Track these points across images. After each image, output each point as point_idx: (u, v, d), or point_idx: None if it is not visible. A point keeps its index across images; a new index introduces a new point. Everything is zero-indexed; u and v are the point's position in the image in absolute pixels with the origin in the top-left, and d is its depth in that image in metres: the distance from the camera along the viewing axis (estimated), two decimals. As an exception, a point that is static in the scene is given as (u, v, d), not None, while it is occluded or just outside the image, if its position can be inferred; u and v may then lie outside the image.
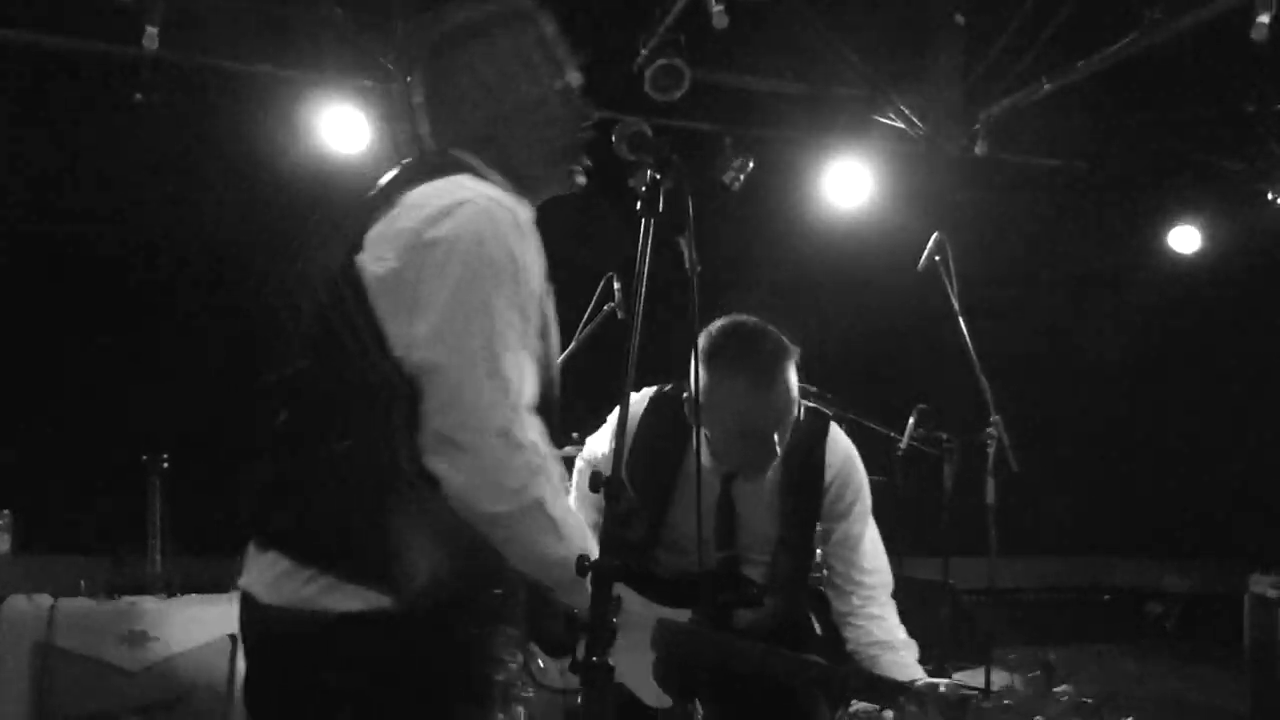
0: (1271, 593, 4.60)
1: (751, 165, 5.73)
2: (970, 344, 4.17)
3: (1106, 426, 6.99)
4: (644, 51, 5.14)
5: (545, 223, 1.64)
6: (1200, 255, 6.72)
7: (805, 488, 2.51)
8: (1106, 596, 7.34)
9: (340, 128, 5.07)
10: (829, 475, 2.54)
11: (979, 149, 5.96)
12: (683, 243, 1.72)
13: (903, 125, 5.74)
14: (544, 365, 1.60)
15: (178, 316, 5.46)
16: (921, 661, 5.27)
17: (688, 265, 1.74)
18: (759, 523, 2.51)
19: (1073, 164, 6.45)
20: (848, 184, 5.72)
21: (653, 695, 2.11)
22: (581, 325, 4.53)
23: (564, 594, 1.58)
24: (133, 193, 5.20)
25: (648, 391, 2.59)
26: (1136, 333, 7.01)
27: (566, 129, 1.78)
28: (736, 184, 5.74)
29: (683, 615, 2.11)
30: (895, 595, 5.41)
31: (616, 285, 4.46)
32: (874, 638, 2.45)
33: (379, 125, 5.11)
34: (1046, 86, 5.56)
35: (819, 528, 2.55)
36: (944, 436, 4.70)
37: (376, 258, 1.51)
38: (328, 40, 5.00)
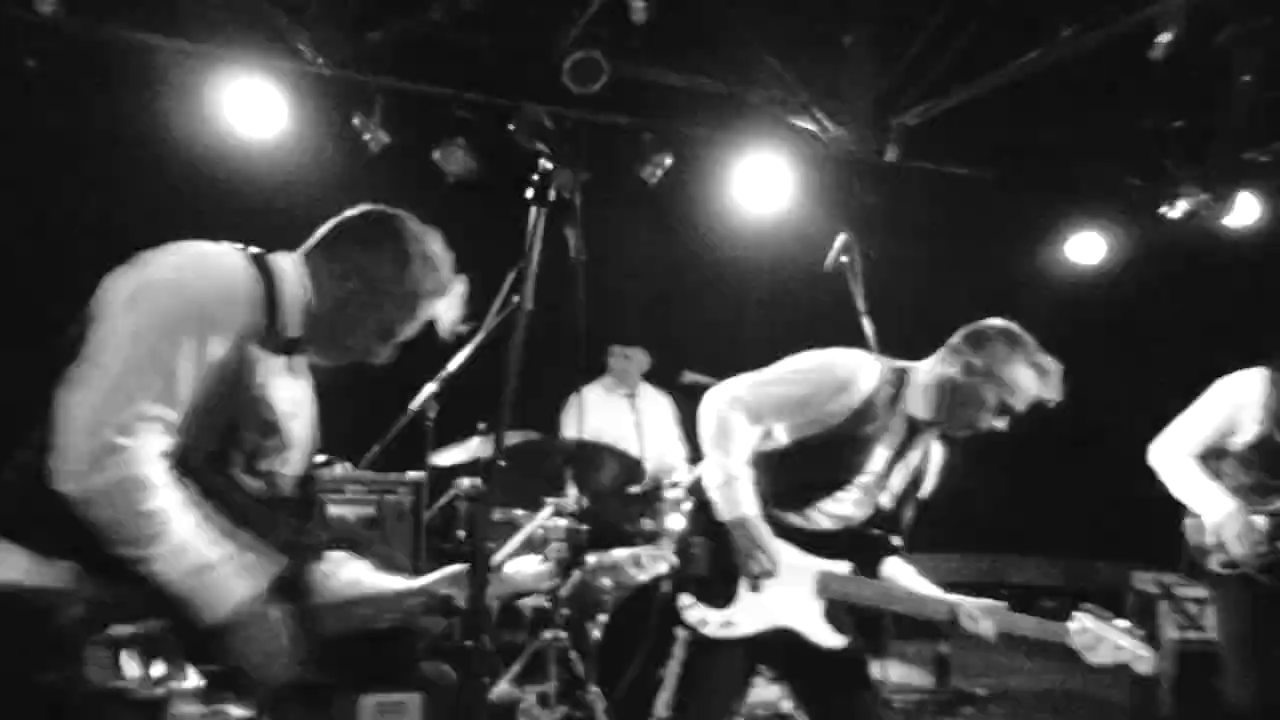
0: (1152, 588, 4.79)
1: (670, 161, 5.77)
2: (874, 344, 4.25)
3: (1023, 432, 7.18)
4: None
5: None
6: (1100, 266, 6.98)
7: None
8: (1003, 592, 7.53)
9: (249, 108, 4.95)
10: None
11: (890, 155, 6.10)
12: (569, 232, 1.74)
13: (816, 129, 5.83)
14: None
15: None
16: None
17: (573, 254, 1.76)
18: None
19: (980, 173, 6.63)
20: (761, 183, 5.78)
21: (825, 635, 2.59)
22: (489, 318, 4.51)
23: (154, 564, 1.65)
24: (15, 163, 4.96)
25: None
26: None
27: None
28: (654, 179, 5.78)
29: (841, 566, 2.61)
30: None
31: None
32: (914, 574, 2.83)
33: (294, 108, 5.01)
34: (956, 96, 5.72)
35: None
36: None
37: None
38: (239, 15, 4.88)
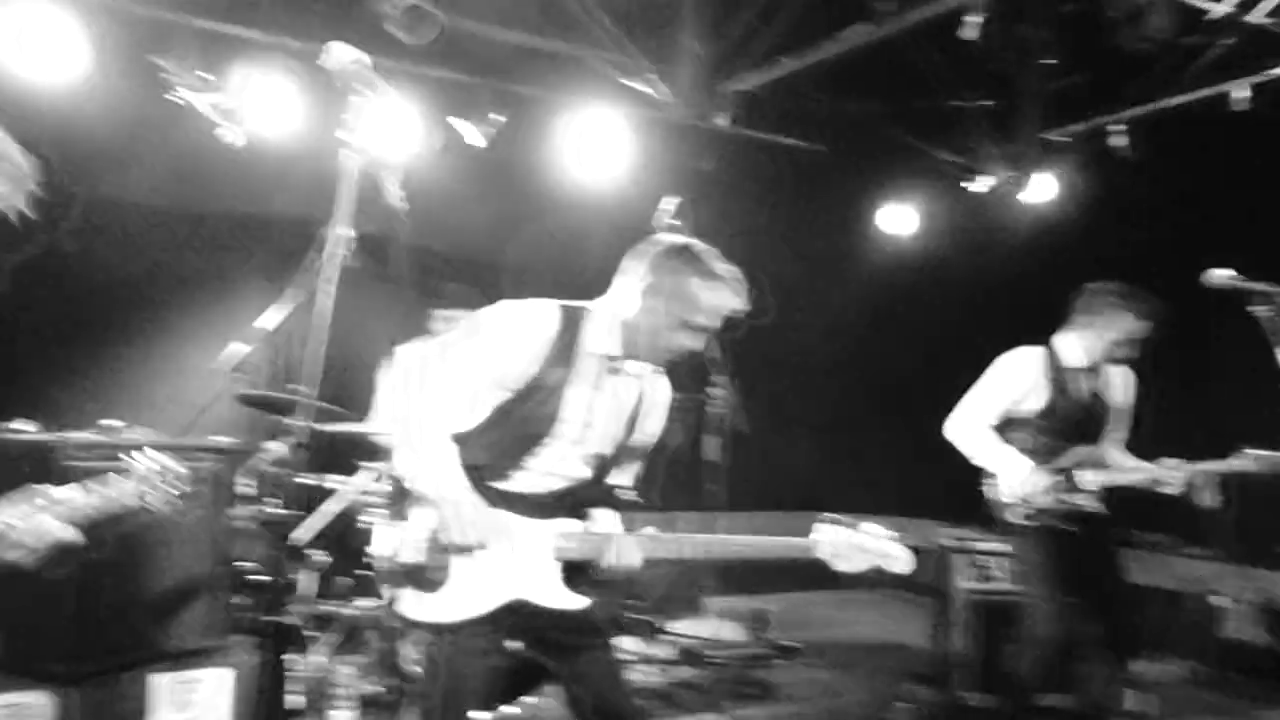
0: (951, 542, 5.11)
1: (503, 120, 5.65)
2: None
3: (824, 392, 7.47)
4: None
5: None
6: (912, 236, 7.33)
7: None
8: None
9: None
10: None
11: (721, 122, 6.18)
12: (386, 179, 1.65)
13: (651, 91, 5.84)
14: None
15: None
16: (640, 612, 5.45)
17: (392, 202, 1.67)
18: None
19: (805, 144, 6.81)
20: (595, 146, 5.74)
21: (564, 599, 2.48)
22: (310, 274, 4.31)
23: None
24: None
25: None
26: (854, 306, 7.52)
27: None
28: (486, 137, 5.65)
29: (572, 525, 2.51)
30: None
31: (350, 233, 4.27)
32: None
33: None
34: (785, 67, 5.84)
35: None
36: (677, 396, 4.86)
37: None
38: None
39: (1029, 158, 6.40)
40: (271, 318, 4.14)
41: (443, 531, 2.38)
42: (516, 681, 2.87)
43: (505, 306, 2.51)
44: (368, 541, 4.08)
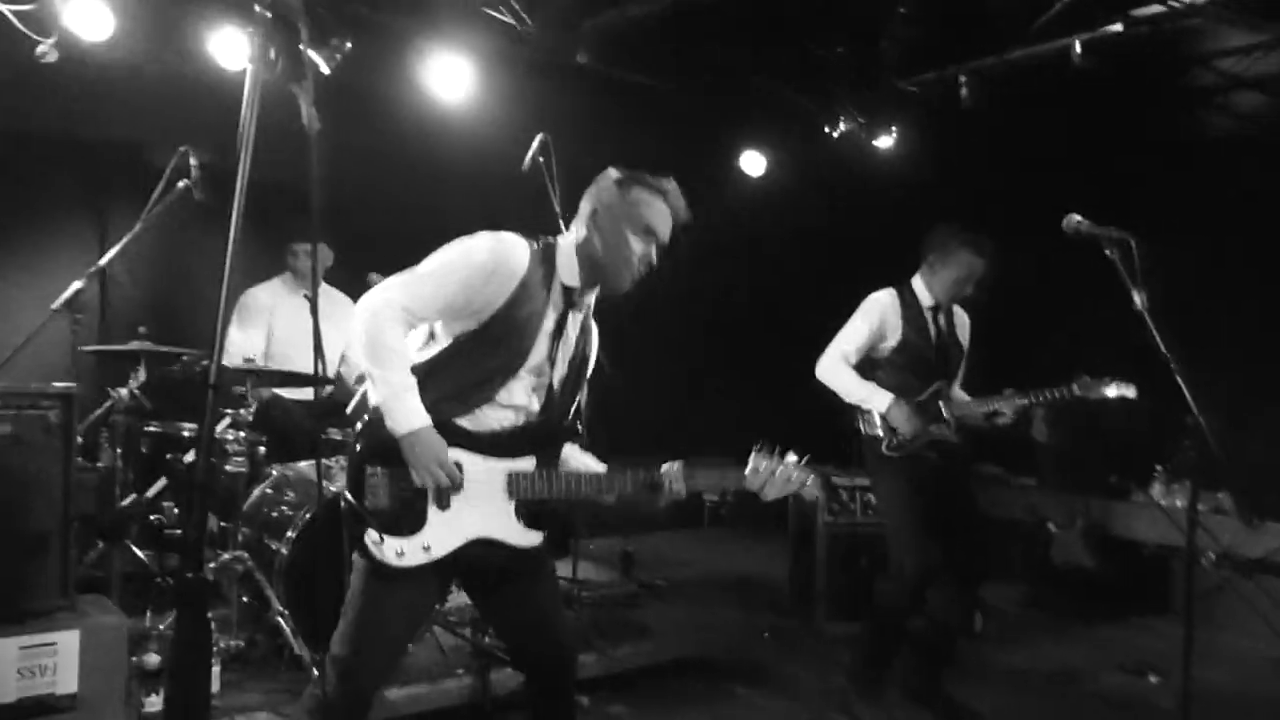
0: (813, 479, 5.27)
1: (348, 46, 5.33)
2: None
3: (681, 338, 7.54)
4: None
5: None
6: (766, 178, 7.43)
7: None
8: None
9: None
10: None
11: (581, 58, 6.04)
12: (300, 96, 1.51)
13: (511, 21, 5.63)
14: None
15: None
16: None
17: (305, 122, 1.53)
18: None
19: (663, 84, 6.76)
20: (453, 77, 5.51)
21: (520, 535, 2.53)
22: (150, 205, 4.00)
23: None
24: None
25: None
26: (708, 246, 7.58)
27: None
28: (332, 64, 5.32)
29: (526, 463, 2.53)
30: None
31: (194, 161, 3.99)
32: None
33: None
34: (645, 6, 5.74)
35: None
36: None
37: None
38: None
39: (883, 105, 6.56)
40: (112, 252, 3.82)
41: (411, 471, 2.39)
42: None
43: (483, 237, 2.52)
44: (230, 490, 3.89)
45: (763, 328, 7.71)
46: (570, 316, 2.61)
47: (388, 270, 4.45)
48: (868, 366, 4.10)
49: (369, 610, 2.42)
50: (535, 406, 2.58)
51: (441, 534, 2.43)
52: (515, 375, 2.52)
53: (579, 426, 2.80)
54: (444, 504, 2.43)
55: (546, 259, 2.57)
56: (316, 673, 2.47)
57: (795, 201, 7.69)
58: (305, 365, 4.50)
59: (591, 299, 2.67)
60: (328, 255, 5.00)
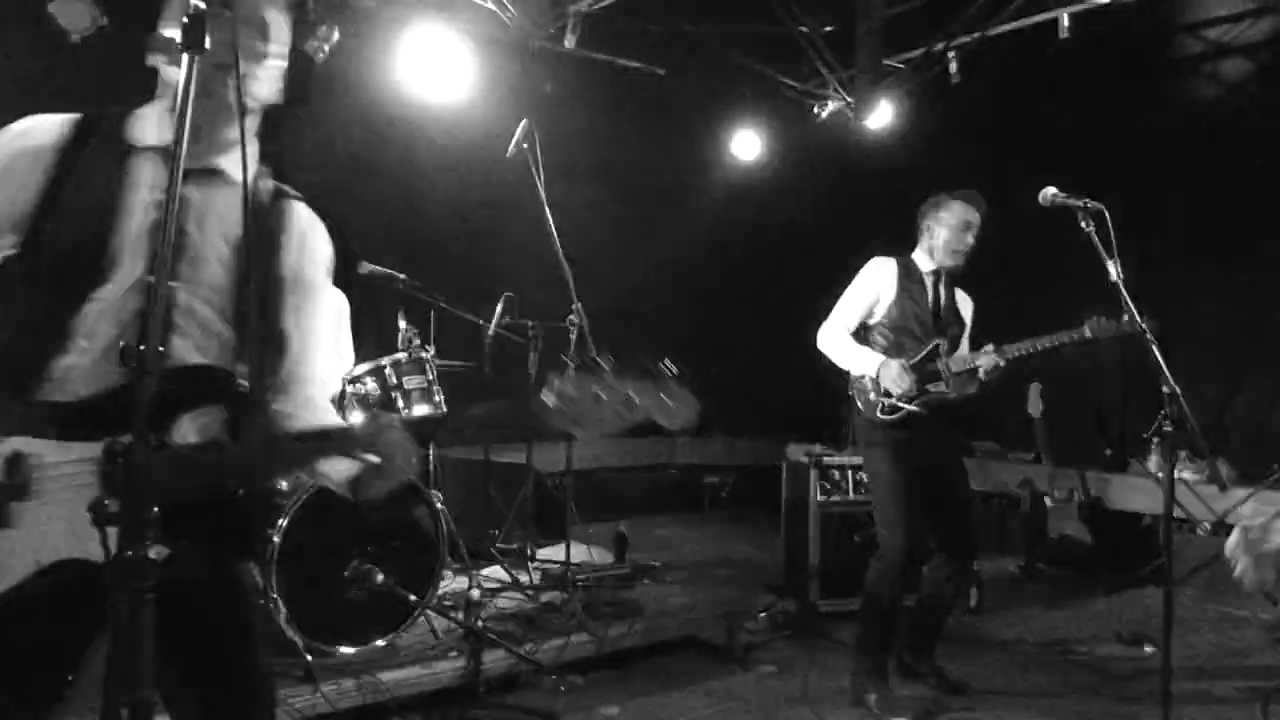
0: (803, 458, 5.28)
1: (337, 35, 5.32)
2: (555, 232, 4.26)
3: (677, 316, 7.54)
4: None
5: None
6: (758, 162, 7.42)
7: None
8: (673, 472, 8.06)
9: None
10: None
11: (567, 42, 6.03)
12: (230, 80, 1.51)
13: (494, 7, 5.63)
14: None
15: None
16: (508, 538, 5.42)
17: (232, 100, 1.53)
18: None
19: (651, 68, 6.75)
20: (437, 63, 5.50)
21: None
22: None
23: None
24: None
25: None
26: (702, 230, 7.59)
27: None
28: (320, 55, 5.32)
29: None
30: (482, 479, 5.44)
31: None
32: None
33: None
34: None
35: None
36: (529, 323, 4.81)
37: None
38: None
39: (870, 83, 6.54)
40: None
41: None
42: None
43: None
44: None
45: (757, 310, 7.71)
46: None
47: (370, 257, 4.50)
48: (863, 331, 4.10)
49: None
50: None
51: None
52: None
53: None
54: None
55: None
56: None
57: (787, 183, 7.68)
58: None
59: None
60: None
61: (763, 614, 4.91)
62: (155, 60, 1.66)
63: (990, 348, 3.96)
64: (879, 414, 3.98)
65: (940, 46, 6.38)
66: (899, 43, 6.64)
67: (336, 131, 5.70)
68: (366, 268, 4.50)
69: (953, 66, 6.45)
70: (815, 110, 7.28)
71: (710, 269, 7.82)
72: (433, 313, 4.77)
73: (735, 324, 7.71)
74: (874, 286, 4.09)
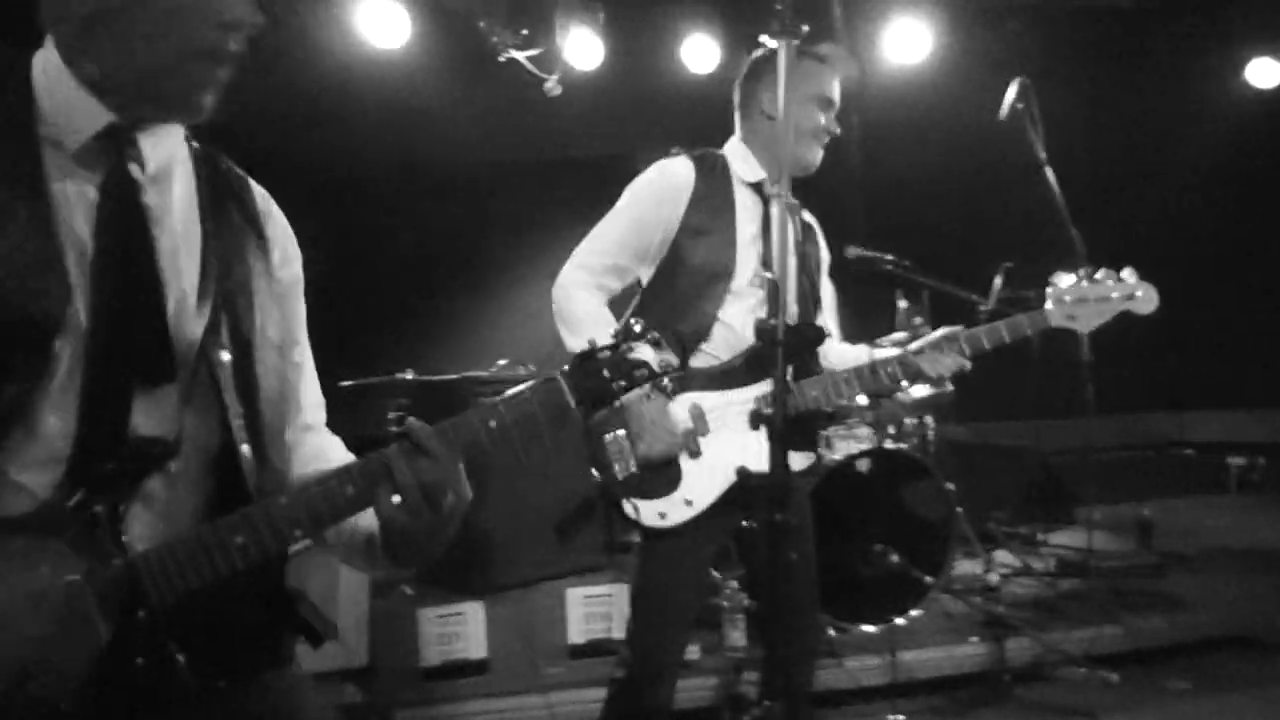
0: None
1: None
2: (1059, 194, 3.96)
3: (1186, 279, 6.70)
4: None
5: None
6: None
7: None
8: (1189, 451, 7.20)
9: None
10: None
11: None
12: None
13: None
14: None
15: None
16: (1012, 522, 5.18)
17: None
18: None
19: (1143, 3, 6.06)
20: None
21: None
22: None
23: None
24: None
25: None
26: (1218, 173, 6.68)
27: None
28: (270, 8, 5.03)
29: (762, 387, 2.30)
30: (983, 460, 5.24)
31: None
32: None
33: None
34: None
35: None
36: (1031, 295, 4.52)
37: None
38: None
39: None
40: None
41: (640, 444, 2.23)
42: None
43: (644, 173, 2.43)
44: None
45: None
46: (772, 215, 2.35)
47: (857, 241, 4.50)
48: None
49: (647, 581, 2.32)
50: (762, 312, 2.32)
51: (701, 484, 2.27)
52: (728, 295, 2.33)
53: (826, 329, 2.47)
54: (695, 452, 2.28)
55: (713, 164, 2.39)
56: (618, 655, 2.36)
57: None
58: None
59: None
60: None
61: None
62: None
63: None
64: None
65: None
66: None
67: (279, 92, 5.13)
68: (854, 251, 4.51)
69: None
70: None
71: (1232, 217, 6.85)
72: (925, 292, 4.67)
73: (1266, 283, 6.68)
74: None
